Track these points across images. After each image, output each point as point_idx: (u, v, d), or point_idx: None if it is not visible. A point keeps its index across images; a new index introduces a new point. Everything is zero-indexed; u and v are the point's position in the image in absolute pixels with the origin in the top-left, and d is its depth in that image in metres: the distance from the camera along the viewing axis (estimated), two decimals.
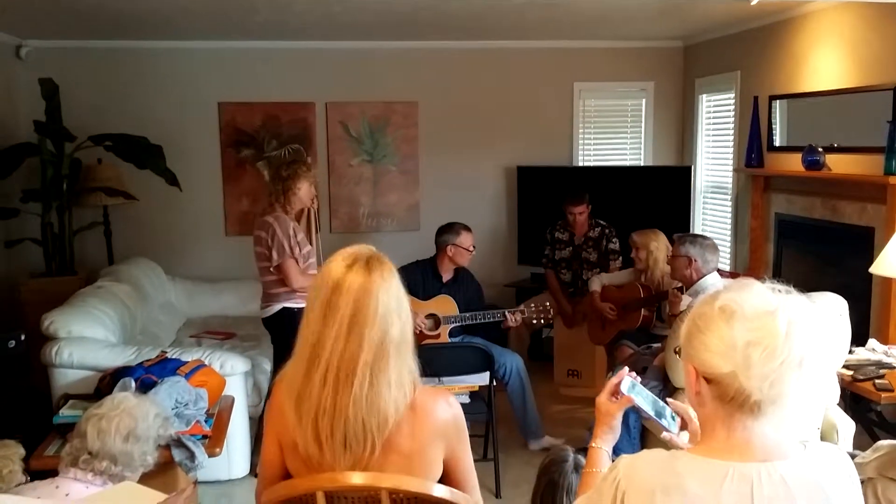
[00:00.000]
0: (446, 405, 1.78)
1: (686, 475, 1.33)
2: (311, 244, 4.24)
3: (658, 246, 4.49)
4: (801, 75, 4.87)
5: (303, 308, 4.26)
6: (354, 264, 1.70)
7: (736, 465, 1.32)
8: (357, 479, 1.68)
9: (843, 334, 3.14)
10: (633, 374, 1.71)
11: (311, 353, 1.70)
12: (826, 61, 4.63)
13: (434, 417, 1.75)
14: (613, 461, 1.46)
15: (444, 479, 1.81)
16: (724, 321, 1.32)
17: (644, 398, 1.68)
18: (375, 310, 1.66)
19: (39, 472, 2.53)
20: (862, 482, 2.22)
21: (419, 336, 3.96)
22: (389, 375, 1.67)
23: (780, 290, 1.35)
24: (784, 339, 1.28)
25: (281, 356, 3.98)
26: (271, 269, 3.83)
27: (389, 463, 1.71)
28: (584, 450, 1.85)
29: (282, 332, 3.92)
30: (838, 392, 3.17)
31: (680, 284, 4.04)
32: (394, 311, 1.68)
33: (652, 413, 1.67)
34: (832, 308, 3.14)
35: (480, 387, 3.86)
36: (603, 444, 1.69)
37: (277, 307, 3.89)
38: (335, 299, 1.67)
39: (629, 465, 1.39)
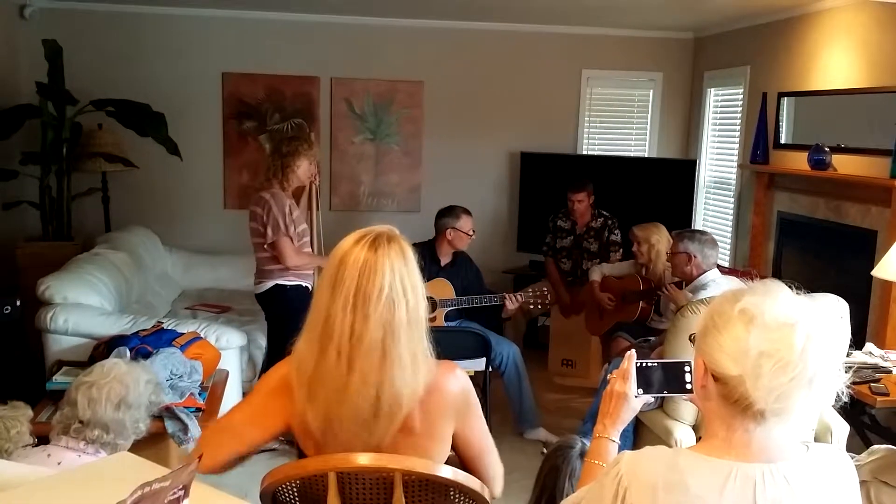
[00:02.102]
0: (454, 379, 1.77)
1: (689, 473, 1.32)
2: (310, 221, 4.21)
3: (659, 239, 4.47)
4: (812, 73, 4.84)
5: (296, 285, 4.25)
6: (362, 240, 1.69)
7: (739, 465, 1.31)
8: (368, 459, 1.66)
9: (843, 336, 3.14)
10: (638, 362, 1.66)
11: (322, 331, 1.67)
12: (837, 60, 4.60)
13: (444, 394, 1.74)
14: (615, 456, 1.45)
15: (461, 450, 1.81)
16: (743, 325, 1.30)
17: (657, 383, 1.63)
18: (380, 287, 1.64)
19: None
20: None
21: None
22: (402, 355, 1.65)
23: (803, 301, 1.32)
24: (799, 355, 1.26)
25: (275, 332, 3.99)
26: (265, 245, 3.80)
27: (402, 443, 1.70)
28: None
29: (275, 308, 3.90)
30: (834, 394, 3.17)
31: (678, 280, 4.03)
32: (398, 290, 1.65)
33: (666, 393, 1.65)
34: (833, 309, 3.13)
35: (476, 372, 3.85)
36: (614, 435, 1.66)
37: (270, 284, 3.86)
38: (340, 275, 1.66)
39: (632, 461, 1.38)
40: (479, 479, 1.79)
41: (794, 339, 1.27)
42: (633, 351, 1.68)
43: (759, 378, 1.27)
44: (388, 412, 1.66)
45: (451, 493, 1.76)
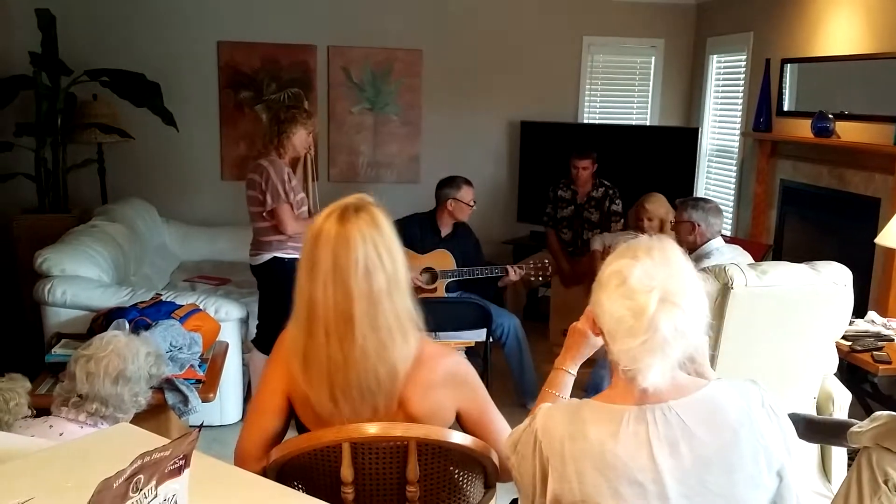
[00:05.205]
0: (452, 358, 1.78)
1: (588, 422, 1.40)
2: (307, 192, 4.17)
3: (668, 216, 4.39)
4: (816, 39, 4.77)
5: (294, 258, 4.19)
6: (332, 215, 1.66)
7: (632, 408, 1.38)
8: (383, 429, 1.66)
9: (846, 304, 3.12)
10: None
11: (307, 311, 1.66)
12: (841, 26, 4.53)
13: (440, 369, 1.73)
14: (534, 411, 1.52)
15: (465, 424, 1.80)
16: (614, 286, 1.38)
17: None
18: (355, 260, 1.61)
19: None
20: (857, 451, 2.22)
21: (415, 290, 3.92)
22: (388, 321, 1.65)
23: (678, 264, 1.37)
24: (649, 321, 1.31)
25: (267, 305, 3.96)
26: (264, 214, 3.76)
27: (403, 416, 1.70)
28: None
29: (270, 281, 3.86)
30: (836, 362, 3.16)
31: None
32: (374, 259, 1.62)
33: None
34: (836, 278, 3.11)
35: (477, 343, 3.84)
36: (571, 368, 1.73)
37: (268, 256, 3.82)
38: (316, 252, 1.64)
39: (544, 416, 1.46)
40: (485, 436, 1.79)
41: (646, 305, 1.32)
42: None
43: (614, 340, 1.37)
44: (388, 381, 1.66)
45: (459, 463, 1.75)
